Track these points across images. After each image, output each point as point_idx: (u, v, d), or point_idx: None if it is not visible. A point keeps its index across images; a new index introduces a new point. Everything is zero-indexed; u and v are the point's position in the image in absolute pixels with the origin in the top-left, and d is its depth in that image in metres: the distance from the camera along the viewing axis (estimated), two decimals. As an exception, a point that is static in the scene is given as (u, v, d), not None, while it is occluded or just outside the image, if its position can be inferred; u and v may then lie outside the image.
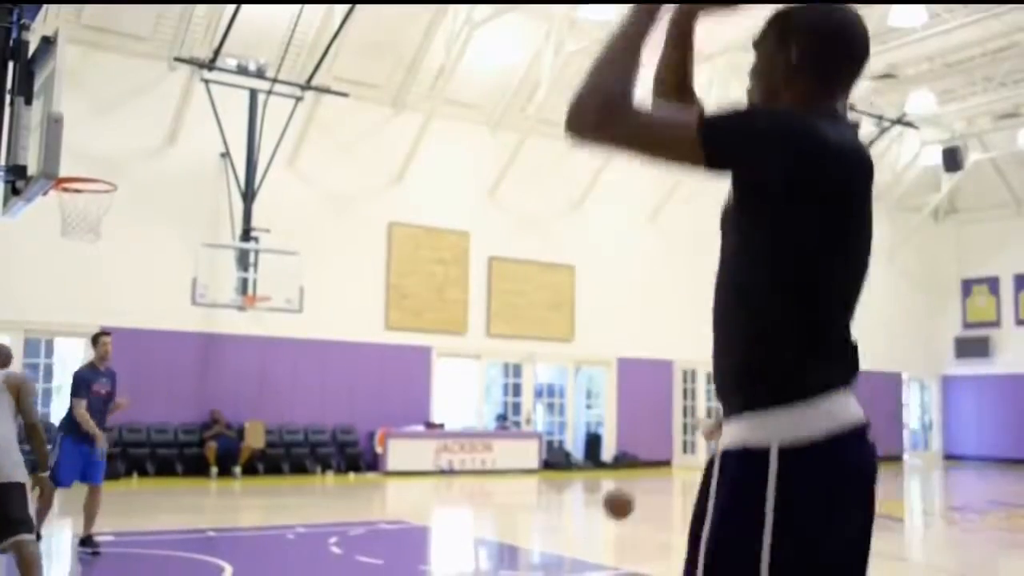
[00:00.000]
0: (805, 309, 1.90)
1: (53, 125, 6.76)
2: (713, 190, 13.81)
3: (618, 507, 4.99)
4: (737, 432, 1.91)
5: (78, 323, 15.33)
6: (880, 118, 23.18)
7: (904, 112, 23.02)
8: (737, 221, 2.01)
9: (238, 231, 16.35)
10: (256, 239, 16.21)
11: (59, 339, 16.32)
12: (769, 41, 2.14)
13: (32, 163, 7.02)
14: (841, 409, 1.84)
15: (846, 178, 1.87)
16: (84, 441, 8.20)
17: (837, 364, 1.90)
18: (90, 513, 8.24)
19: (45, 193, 7.27)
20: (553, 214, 20.99)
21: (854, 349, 1.94)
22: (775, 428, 1.84)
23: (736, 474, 1.88)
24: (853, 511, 1.83)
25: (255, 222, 16.33)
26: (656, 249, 22.49)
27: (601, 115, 1.86)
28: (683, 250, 22.95)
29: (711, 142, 1.84)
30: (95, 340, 8.76)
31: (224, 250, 16.04)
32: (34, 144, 7.01)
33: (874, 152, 23.63)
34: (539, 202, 20.76)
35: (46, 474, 5.69)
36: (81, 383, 8.51)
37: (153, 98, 16.77)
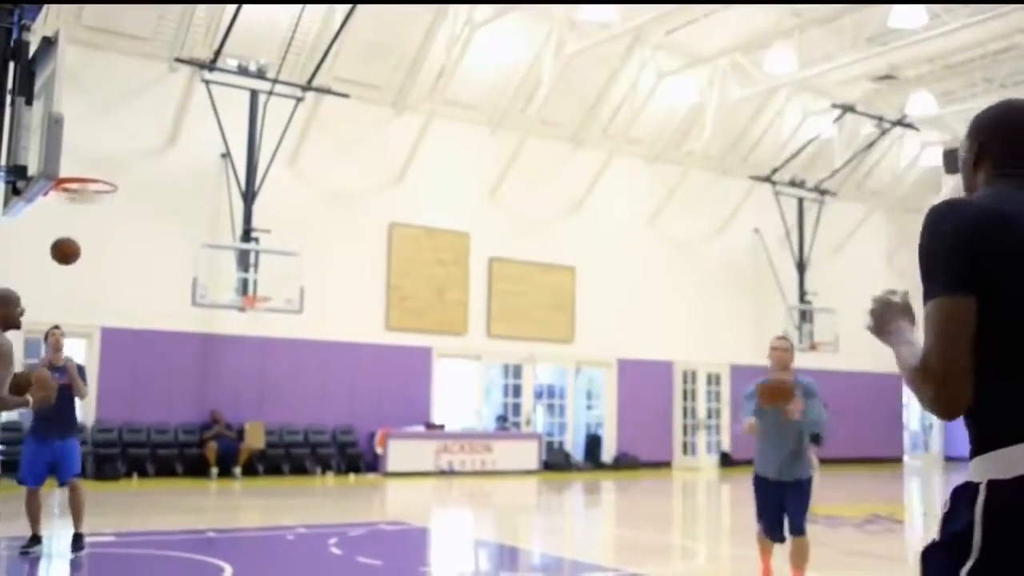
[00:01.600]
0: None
1: (54, 125, 6.77)
2: (710, 195, 13.96)
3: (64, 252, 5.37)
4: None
5: (78, 323, 15.33)
6: (880, 119, 23.19)
7: (904, 114, 23.03)
8: None
9: (238, 232, 16.35)
10: (256, 239, 16.22)
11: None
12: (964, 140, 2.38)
13: (33, 163, 7.02)
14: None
15: (997, 238, 2.06)
16: (47, 438, 7.98)
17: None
18: (74, 510, 8.04)
19: (45, 193, 7.27)
20: (553, 215, 21.00)
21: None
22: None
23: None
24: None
25: (255, 222, 16.34)
26: (656, 251, 22.50)
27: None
28: (682, 252, 22.98)
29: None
30: (46, 336, 8.58)
31: (224, 250, 16.05)
32: (35, 144, 7.01)
33: (874, 153, 23.73)
34: (539, 203, 20.76)
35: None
36: None
37: (153, 98, 16.78)
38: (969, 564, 1.94)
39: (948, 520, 2.06)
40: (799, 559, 6.83)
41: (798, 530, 6.75)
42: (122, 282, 16.00)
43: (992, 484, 1.97)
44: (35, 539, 8.05)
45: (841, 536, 10.73)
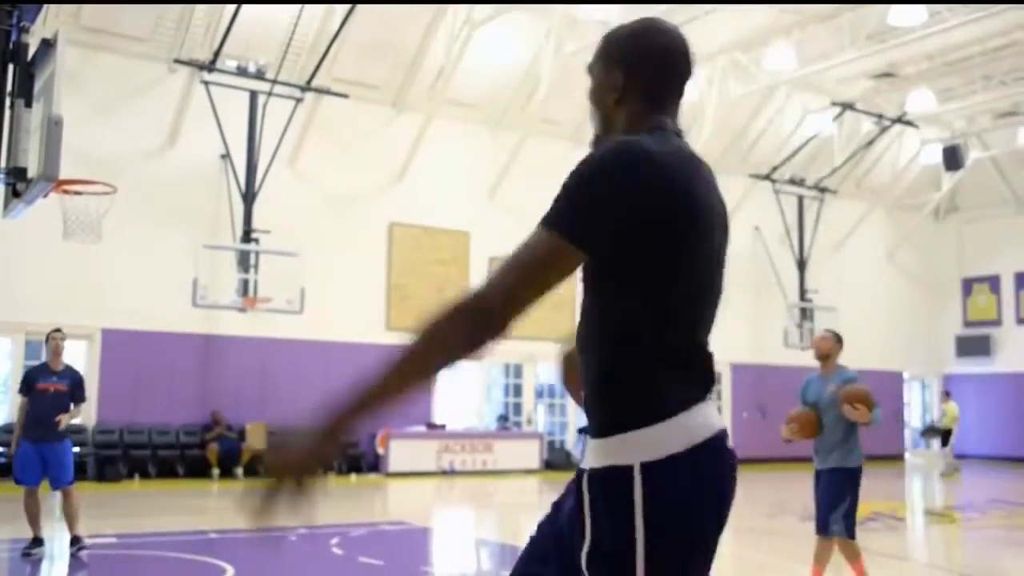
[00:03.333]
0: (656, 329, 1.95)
1: (53, 127, 6.77)
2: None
3: None
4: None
5: (79, 325, 15.33)
6: (880, 117, 23.19)
7: (904, 111, 23.03)
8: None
9: (239, 232, 16.35)
10: (256, 240, 16.22)
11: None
12: (598, 67, 2.16)
13: (32, 165, 7.02)
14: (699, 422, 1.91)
15: (665, 201, 1.90)
16: (41, 441, 8.00)
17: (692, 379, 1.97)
18: (69, 516, 8.12)
19: (45, 195, 7.28)
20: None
21: (704, 372, 1.99)
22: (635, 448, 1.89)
23: (602, 493, 1.91)
24: (709, 516, 1.91)
25: (255, 223, 16.34)
26: (657, 249, 22.45)
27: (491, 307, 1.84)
28: (684, 249, 22.94)
29: (572, 236, 1.87)
30: (47, 339, 8.60)
31: (225, 251, 16.04)
32: (34, 146, 7.01)
33: (874, 151, 23.62)
34: (540, 202, 20.27)
35: None
36: (24, 380, 8.37)
37: (153, 99, 16.78)
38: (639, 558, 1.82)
39: (597, 519, 1.88)
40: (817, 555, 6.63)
41: (824, 526, 6.53)
42: (122, 283, 16.00)
43: (645, 467, 1.84)
44: (36, 541, 8.06)
45: (843, 534, 10.72)
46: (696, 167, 2.00)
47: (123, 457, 15.86)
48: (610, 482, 1.88)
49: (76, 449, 15.65)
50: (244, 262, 15.94)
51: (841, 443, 6.49)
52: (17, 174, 6.97)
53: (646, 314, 1.92)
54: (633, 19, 2.21)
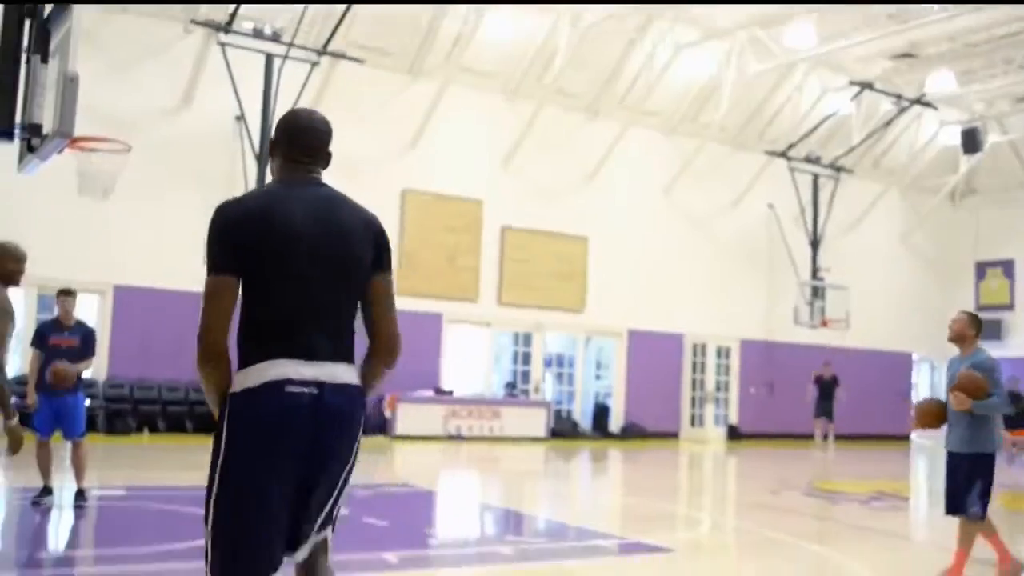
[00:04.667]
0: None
1: (69, 84, 6.80)
2: (725, 169, 13.92)
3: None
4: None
5: (92, 280, 15.48)
6: (899, 97, 23.03)
7: (923, 92, 22.87)
8: None
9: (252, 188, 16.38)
10: (270, 200, 16.24)
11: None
12: None
13: (47, 121, 7.07)
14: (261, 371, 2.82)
15: (252, 232, 2.85)
16: (56, 394, 8.14)
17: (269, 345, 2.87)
18: (77, 468, 8.31)
19: (60, 151, 7.33)
20: (567, 185, 20.97)
21: (292, 340, 2.88)
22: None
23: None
24: (265, 433, 2.77)
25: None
26: (669, 222, 22.47)
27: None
28: (696, 224, 22.93)
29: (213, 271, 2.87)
30: (56, 296, 8.72)
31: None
32: (50, 103, 7.06)
33: (892, 131, 23.45)
34: (554, 172, 20.73)
35: (12, 422, 4.87)
36: (37, 334, 8.54)
37: (169, 60, 16.81)
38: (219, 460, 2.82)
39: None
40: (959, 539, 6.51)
41: (955, 508, 6.47)
42: (135, 241, 16.10)
43: (233, 395, 2.83)
44: (46, 490, 8.21)
45: (845, 511, 10.80)
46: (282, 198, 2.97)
47: (133, 411, 16.03)
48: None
49: (87, 402, 15.88)
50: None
51: (972, 426, 6.35)
52: (32, 130, 7.01)
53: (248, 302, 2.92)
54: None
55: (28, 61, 7.23)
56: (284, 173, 3.06)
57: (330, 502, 2.93)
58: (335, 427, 2.82)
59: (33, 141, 7.24)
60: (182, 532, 7.38)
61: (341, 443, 2.85)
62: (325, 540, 3.03)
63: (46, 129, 7.09)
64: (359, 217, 3.04)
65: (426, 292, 18.95)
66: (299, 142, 3.08)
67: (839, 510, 11.04)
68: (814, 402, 20.94)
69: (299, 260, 2.86)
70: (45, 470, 8.23)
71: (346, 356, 2.93)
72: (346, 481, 2.95)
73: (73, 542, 7.52)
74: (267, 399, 2.76)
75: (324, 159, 3.12)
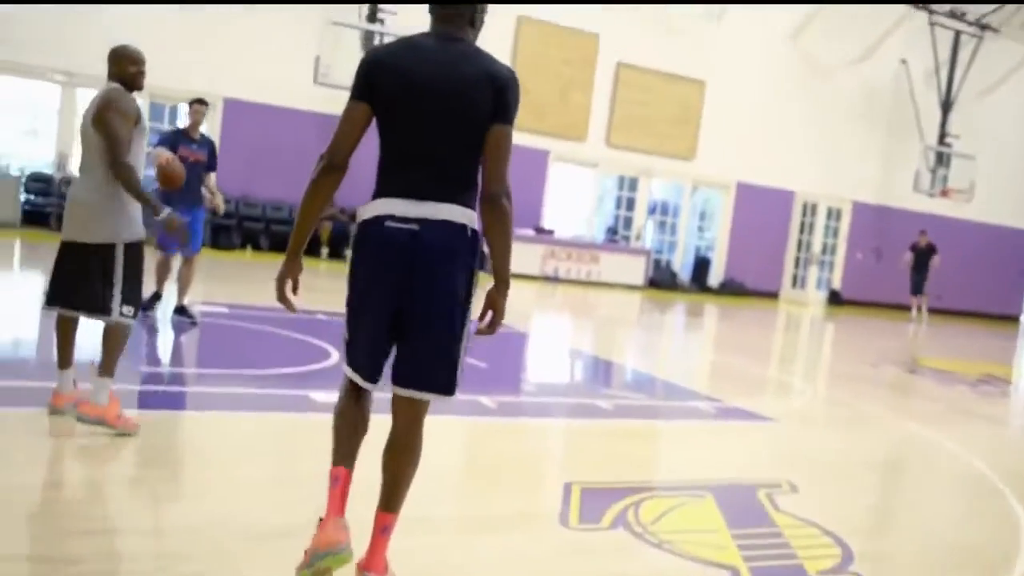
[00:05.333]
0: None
1: None
2: (859, 17, 12.87)
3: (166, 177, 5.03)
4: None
5: (202, 91, 15.29)
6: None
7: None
8: None
9: (364, 11, 15.92)
10: (382, 21, 15.79)
11: (183, 105, 16.40)
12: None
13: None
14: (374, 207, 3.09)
15: (377, 75, 3.07)
16: (179, 208, 7.82)
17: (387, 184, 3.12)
18: (183, 283, 8.36)
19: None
20: (690, 23, 19.95)
21: (398, 182, 3.10)
22: None
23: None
24: (370, 260, 3.07)
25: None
26: (793, 73, 21.35)
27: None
28: (822, 75, 21.76)
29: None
30: (189, 107, 8.51)
31: (350, 29, 15.67)
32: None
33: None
34: (676, 8, 19.69)
35: (163, 214, 4.78)
36: (166, 141, 8.20)
37: None
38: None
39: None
40: None
41: None
42: (246, 55, 15.87)
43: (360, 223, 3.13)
44: (156, 296, 8.29)
45: (954, 394, 10.39)
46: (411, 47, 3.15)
47: (237, 228, 16.19)
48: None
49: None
50: (368, 41, 15.58)
51: None
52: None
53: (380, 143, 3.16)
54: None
55: None
56: (431, 27, 3.21)
57: (444, 344, 3.07)
58: (431, 260, 3.00)
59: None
60: (274, 357, 7.39)
61: (437, 275, 3.02)
62: (421, 405, 3.13)
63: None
64: (484, 69, 3.09)
65: (534, 127, 18.48)
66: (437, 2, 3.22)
67: (947, 392, 10.62)
68: (910, 273, 20.13)
69: (414, 106, 3.04)
70: (160, 280, 8.29)
71: (455, 198, 3.06)
72: (451, 324, 3.07)
73: (174, 358, 7.59)
74: (373, 231, 3.05)
75: (464, 17, 3.21)
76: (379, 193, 3.09)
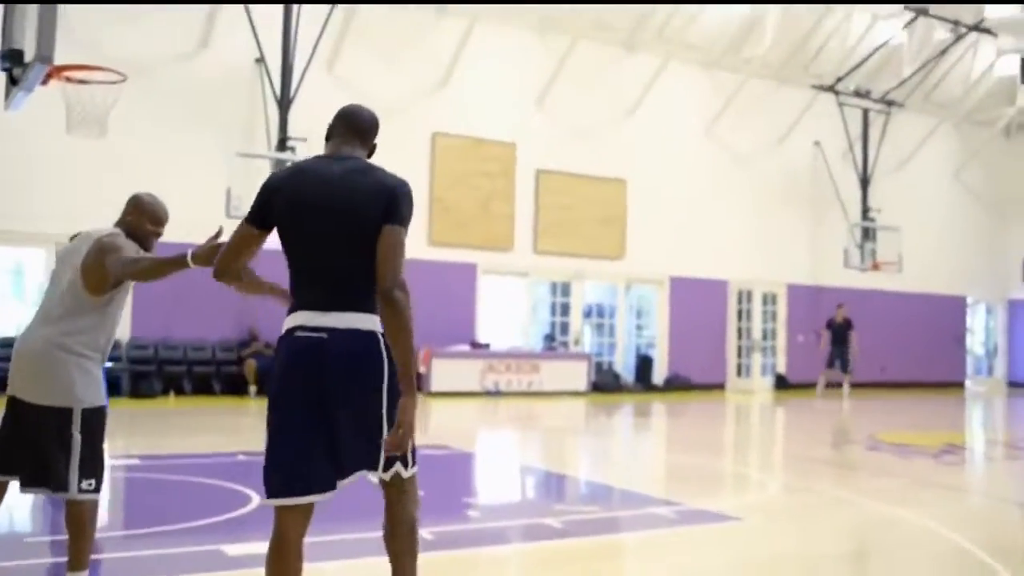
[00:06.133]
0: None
1: (46, 2, 5.99)
2: (769, 105, 12.68)
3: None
4: None
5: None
6: (956, 24, 21.72)
7: (983, 17, 21.52)
8: None
9: (274, 140, 15.58)
10: (293, 149, 15.42)
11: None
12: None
13: (29, 48, 6.27)
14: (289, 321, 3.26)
15: (270, 201, 3.33)
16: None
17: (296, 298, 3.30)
18: None
19: (45, 82, 6.53)
20: (604, 124, 19.98)
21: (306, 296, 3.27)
22: None
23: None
24: (283, 367, 3.20)
25: (291, 131, 15.50)
26: (712, 162, 21.45)
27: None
28: (739, 165, 21.89)
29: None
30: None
31: (259, 160, 15.28)
32: (31, 27, 6.25)
33: (946, 61, 22.09)
34: (589, 111, 19.74)
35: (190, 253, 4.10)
36: None
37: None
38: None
39: None
40: None
41: None
42: (152, 190, 15.29)
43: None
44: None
45: (919, 467, 9.93)
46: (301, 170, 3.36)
47: (158, 373, 15.40)
48: None
49: (109, 365, 15.27)
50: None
51: None
52: (12, 57, 6.22)
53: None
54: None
55: (5, -19, 6.44)
56: (325, 149, 3.43)
57: (364, 438, 3.14)
58: (342, 366, 3.10)
59: (15, 71, 6.46)
60: (187, 509, 6.67)
61: (353, 381, 3.11)
62: (400, 479, 3.28)
63: (28, 56, 6.30)
64: (375, 180, 3.26)
65: (459, 241, 18.13)
66: (338, 122, 3.47)
67: (909, 465, 10.16)
68: (828, 350, 20.48)
69: (306, 227, 3.22)
70: None
71: (358, 306, 3.18)
72: (377, 416, 3.14)
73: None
74: (285, 342, 3.22)
75: (360, 138, 3.45)
76: (292, 308, 3.27)
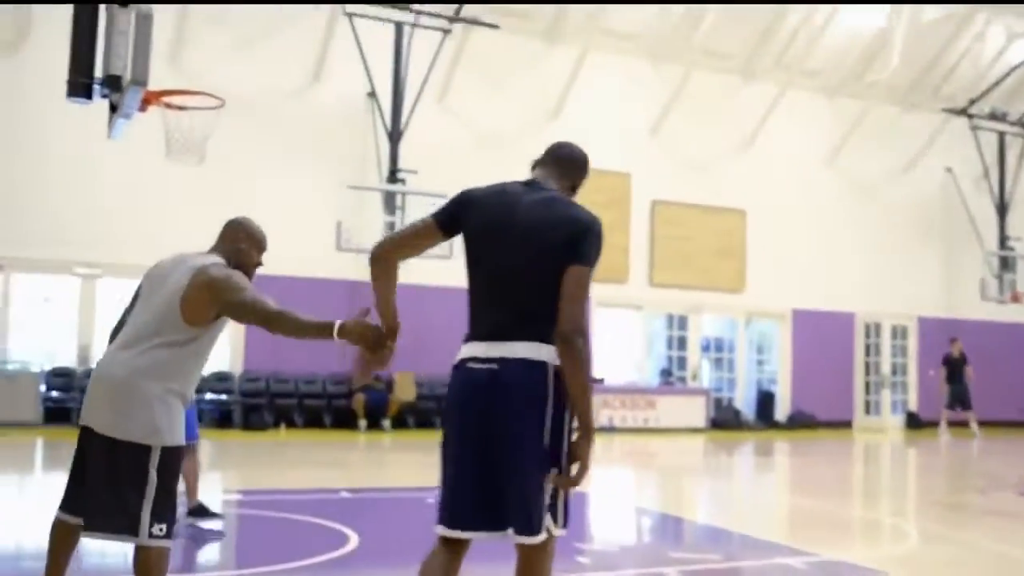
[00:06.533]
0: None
1: (142, 22, 5.84)
2: (896, 131, 11.61)
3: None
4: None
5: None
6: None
7: None
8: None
9: (384, 173, 15.49)
10: (403, 181, 15.32)
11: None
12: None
13: (126, 73, 6.15)
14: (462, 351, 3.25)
15: (467, 212, 3.29)
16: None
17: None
18: (190, 480, 6.69)
19: (143, 109, 6.40)
20: (721, 154, 19.38)
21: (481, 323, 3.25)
22: None
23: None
24: (454, 400, 3.22)
25: (402, 163, 15.42)
26: (835, 192, 20.60)
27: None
28: (864, 194, 20.98)
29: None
30: None
31: (370, 192, 15.22)
32: (128, 51, 6.12)
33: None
34: (706, 141, 19.17)
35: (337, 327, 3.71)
36: None
37: (297, 34, 16.09)
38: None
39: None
40: None
41: None
42: (265, 226, 15.30)
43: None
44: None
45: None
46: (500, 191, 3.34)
47: (269, 406, 15.39)
48: None
49: (223, 397, 15.32)
50: (390, 204, 15.08)
51: None
52: (111, 82, 6.09)
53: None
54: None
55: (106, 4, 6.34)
56: (529, 177, 3.40)
57: (520, 481, 3.03)
58: (508, 397, 3.04)
59: (114, 98, 6.35)
60: (284, 549, 6.35)
61: (516, 412, 3.04)
62: (528, 549, 3.12)
63: (124, 81, 6.18)
64: (565, 212, 3.21)
65: (572, 273, 17.72)
66: (545, 153, 3.51)
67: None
68: (946, 387, 19.02)
69: (493, 246, 3.18)
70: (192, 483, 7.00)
71: (532, 336, 3.09)
72: (536, 444, 3.04)
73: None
74: (458, 374, 3.19)
75: (559, 170, 3.45)
76: (467, 337, 3.23)
